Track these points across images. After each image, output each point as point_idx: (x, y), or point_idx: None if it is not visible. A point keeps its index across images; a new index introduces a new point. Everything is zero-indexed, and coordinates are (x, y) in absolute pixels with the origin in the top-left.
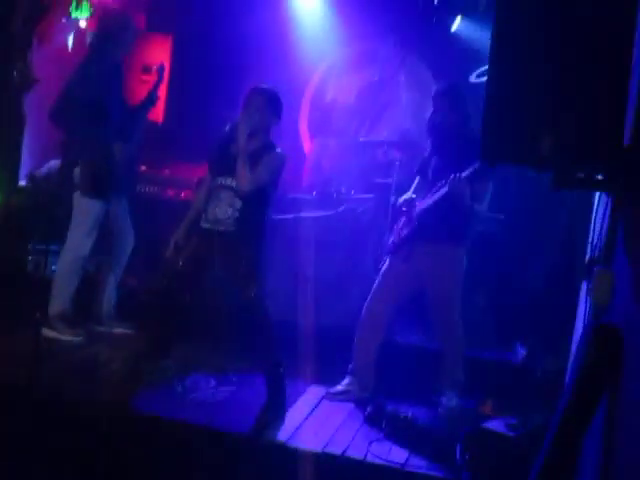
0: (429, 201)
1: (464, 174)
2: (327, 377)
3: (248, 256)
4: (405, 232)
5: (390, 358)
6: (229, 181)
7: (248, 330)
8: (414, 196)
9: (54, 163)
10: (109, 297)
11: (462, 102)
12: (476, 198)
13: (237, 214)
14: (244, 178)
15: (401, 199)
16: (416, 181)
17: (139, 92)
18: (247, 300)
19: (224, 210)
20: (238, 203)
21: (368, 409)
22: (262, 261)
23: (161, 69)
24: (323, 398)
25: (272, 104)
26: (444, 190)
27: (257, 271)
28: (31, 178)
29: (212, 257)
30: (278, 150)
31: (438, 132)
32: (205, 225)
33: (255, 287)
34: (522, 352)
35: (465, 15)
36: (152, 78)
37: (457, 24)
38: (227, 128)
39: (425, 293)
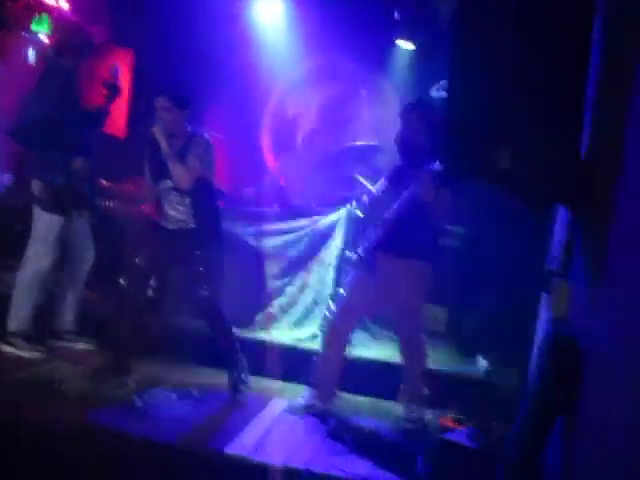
0: (395, 207)
1: (434, 167)
2: (289, 390)
3: (203, 255)
4: (370, 244)
5: (352, 371)
6: (169, 183)
7: (206, 325)
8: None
9: (5, 178)
10: (69, 312)
11: (430, 116)
12: (440, 205)
13: (190, 210)
14: (180, 176)
15: (364, 197)
16: (381, 182)
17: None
18: (200, 300)
19: (178, 209)
20: (186, 200)
21: (331, 423)
22: (216, 261)
23: (114, 70)
24: (284, 411)
25: (178, 101)
26: (410, 189)
27: (210, 271)
28: None
29: (170, 255)
30: (203, 136)
31: (407, 146)
32: (165, 224)
33: (207, 287)
34: (483, 365)
35: (425, 29)
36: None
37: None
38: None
39: (389, 306)
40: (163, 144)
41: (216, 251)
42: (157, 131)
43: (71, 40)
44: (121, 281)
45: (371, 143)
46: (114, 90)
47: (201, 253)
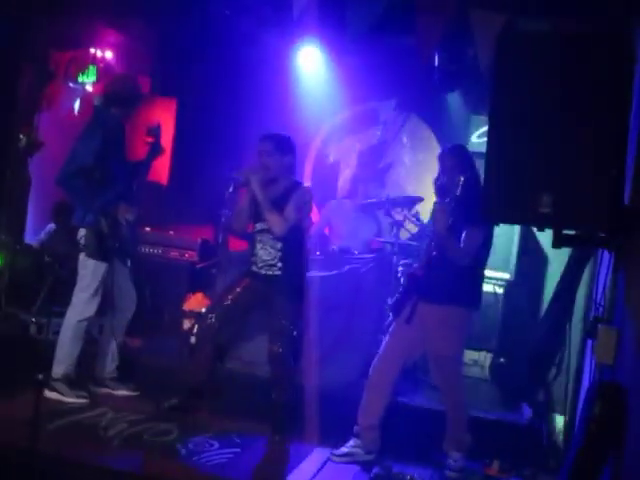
0: (425, 251)
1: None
2: (331, 439)
3: (286, 310)
4: (403, 292)
5: (396, 419)
6: (264, 225)
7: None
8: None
9: (50, 227)
10: (111, 359)
11: (467, 162)
12: (465, 241)
13: (280, 254)
14: (274, 223)
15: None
16: None
17: (143, 154)
18: (271, 355)
19: (268, 252)
20: (278, 244)
21: (374, 471)
22: (299, 318)
23: (156, 129)
24: (328, 460)
25: (281, 146)
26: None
27: (289, 328)
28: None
29: (255, 302)
30: (305, 187)
31: (444, 192)
32: (254, 268)
33: (283, 344)
34: (528, 412)
35: (465, 78)
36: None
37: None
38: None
39: (427, 353)
40: (258, 192)
41: (298, 303)
42: (254, 179)
43: (122, 90)
44: (209, 320)
45: (415, 195)
46: (156, 150)
47: (283, 305)
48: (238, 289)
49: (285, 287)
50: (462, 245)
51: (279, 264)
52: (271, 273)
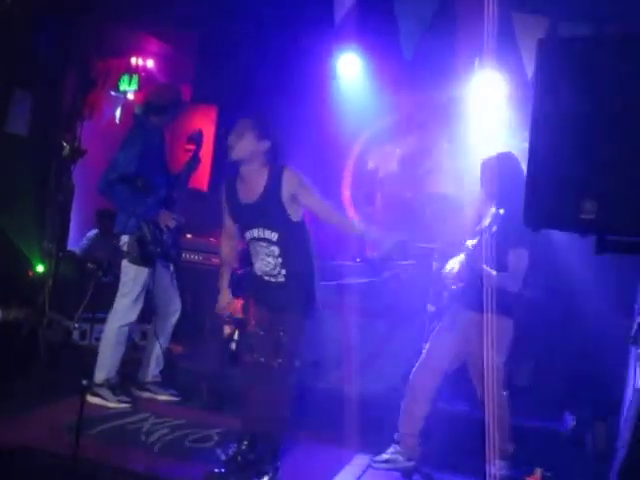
0: (469, 258)
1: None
2: (372, 446)
3: (287, 322)
4: (448, 298)
5: (437, 426)
6: (256, 232)
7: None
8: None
9: (93, 233)
10: (155, 364)
11: (504, 169)
12: (512, 269)
13: (280, 260)
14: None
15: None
16: None
17: (184, 161)
18: (269, 369)
19: (267, 262)
20: (276, 250)
21: (414, 478)
22: (302, 331)
23: (198, 136)
24: (369, 467)
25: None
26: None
27: (291, 342)
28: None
29: (262, 309)
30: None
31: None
32: (259, 273)
33: (282, 358)
34: (571, 420)
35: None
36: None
37: None
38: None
39: (469, 361)
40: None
41: (303, 317)
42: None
43: (161, 99)
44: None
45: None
46: (195, 162)
47: (285, 317)
48: (252, 310)
49: (289, 296)
50: (510, 271)
51: (282, 271)
52: (274, 281)
